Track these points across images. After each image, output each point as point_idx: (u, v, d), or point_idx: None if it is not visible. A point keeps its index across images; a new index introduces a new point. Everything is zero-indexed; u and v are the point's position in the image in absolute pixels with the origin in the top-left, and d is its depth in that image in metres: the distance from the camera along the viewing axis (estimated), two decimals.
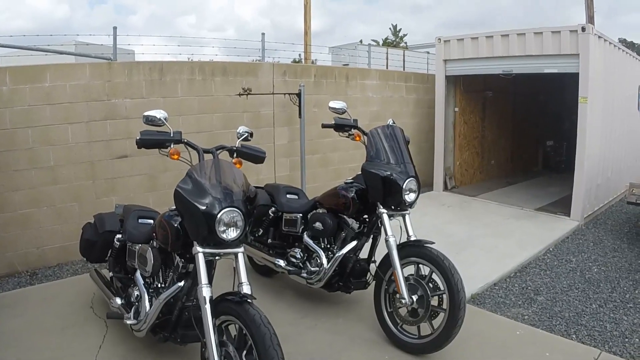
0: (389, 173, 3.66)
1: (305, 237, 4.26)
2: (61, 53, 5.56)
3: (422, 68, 9.85)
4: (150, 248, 3.33)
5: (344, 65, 9.58)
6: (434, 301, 3.48)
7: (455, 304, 3.27)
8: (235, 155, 3.37)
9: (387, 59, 9.81)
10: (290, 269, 4.29)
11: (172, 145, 3.11)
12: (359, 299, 4.37)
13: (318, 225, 4.14)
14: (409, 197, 3.68)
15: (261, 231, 4.78)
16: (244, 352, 2.64)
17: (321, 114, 7.41)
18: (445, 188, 8.53)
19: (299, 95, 6.98)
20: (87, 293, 4.53)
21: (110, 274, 4.00)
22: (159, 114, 3.06)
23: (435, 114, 8.42)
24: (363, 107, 8.05)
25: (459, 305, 3.27)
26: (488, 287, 4.78)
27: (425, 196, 8.34)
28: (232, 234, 2.75)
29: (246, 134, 3.51)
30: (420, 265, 3.59)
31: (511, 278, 5.03)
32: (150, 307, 3.24)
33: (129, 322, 3.36)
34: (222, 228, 2.72)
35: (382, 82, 8.35)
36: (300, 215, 4.41)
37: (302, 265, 4.27)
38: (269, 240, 4.73)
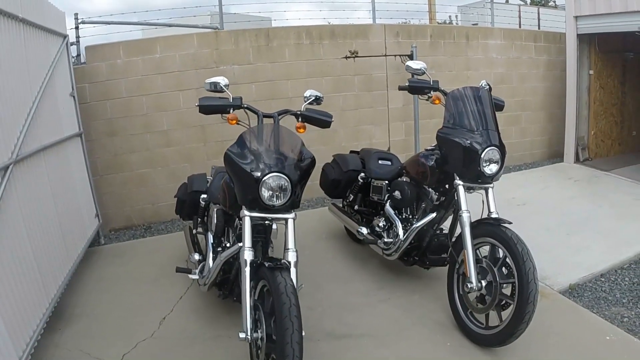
0: (466, 140, 3.20)
1: (387, 206, 4.00)
2: (170, 26, 5.86)
3: (562, 27, 8.56)
4: (216, 209, 3.50)
5: (472, 25, 8.73)
6: (507, 290, 3.00)
7: (524, 296, 2.78)
8: (299, 119, 3.24)
9: (519, 17, 8.67)
10: (370, 237, 4.07)
11: (231, 111, 3.09)
12: (443, 275, 3.99)
13: (397, 194, 3.85)
14: (489, 168, 3.19)
15: (352, 197, 4.62)
16: (273, 318, 2.56)
17: (439, 76, 6.72)
18: (577, 160, 7.40)
19: (410, 56, 6.51)
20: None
21: (194, 231, 4.17)
22: (222, 80, 3.08)
23: (567, 77, 7.28)
24: (486, 69, 7.28)
25: (527, 299, 2.76)
26: (593, 277, 4.02)
27: (552, 168, 7.43)
28: (278, 199, 2.68)
29: (313, 98, 3.36)
30: (498, 248, 3.12)
31: (623, 270, 4.17)
32: (213, 262, 3.36)
33: (192, 277, 3.53)
34: (268, 193, 2.66)
35: (508, 42, 7.43)
36: (387, 182, 4.14)
37: (383, 235, 4.03)
38: (356, 207, 4.57)
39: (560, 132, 7.65)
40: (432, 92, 3.61)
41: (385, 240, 3.87)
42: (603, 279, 4.02)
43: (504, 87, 7.37)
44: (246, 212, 2.74)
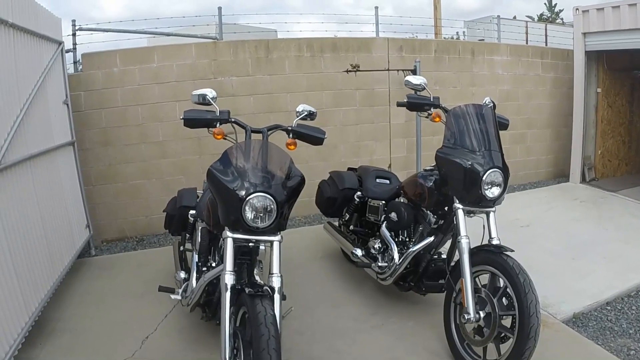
0: (467, 161, 2.98)
1: (383, 227, 3.77)
2: (169, 35, 5.71)
3: (569, 44, 8.36)
4: (201, 227, 3.32)
5: (479, 40, 8.54)
6: (507, 322, 2.76)
7: (524, 331, 2.54)
8: (290, 135, 3.05)
9: (526, 33, 8.46)
10: (364, 260, 3.85)
11: (218, 125, 2.93)
12: (440, 301, 3.74)
13: (393, 215, 3.63)
14: (491, 192, 2.96)
15: (347, 216, 4.41)
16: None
17: (443, 92, 6.62)
18: (583, 180, 7.15)
19: (413, 71, 6.31)
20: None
21: (182, 247, 3.97)
22: (209, 92, 2.96)
23: (574, 95, 7.06)
24: (491, 86, 7.08)
25: (529, 334, 2.53)
26: (598, 306, 3.76)
27: (557, 187, 7.17)
28: (262, 221, 2.47)
29: (305, 113, 3.17)
30: (499, 277, 2.88)
31: (630, 298, 3.90)
32: (196, 283, 3.16)
33: (174, 297, 3.35)
34: (252, 214, 2.45)
35: (514, 58, 7.22)
36: (383, 202, 3.92)
37: (378, 258, 3.80)
38: (351, 227, 4.36)
39: (566, 151, 7.41)
40: (432, 109, 3.39)
41: (380, 264, 3.65)
42: (609, 307, 3.76)
43: (510, 104, 7.16)
44: (229, 234, 2.53)
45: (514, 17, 10.44)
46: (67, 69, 4.81)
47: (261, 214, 2.47)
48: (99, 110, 5.25)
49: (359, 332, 3.46)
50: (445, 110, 3.32)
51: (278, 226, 2.55)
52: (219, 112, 2.91)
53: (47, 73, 4.25)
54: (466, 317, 2.80)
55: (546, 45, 8.33)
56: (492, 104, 3.42)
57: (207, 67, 5.56)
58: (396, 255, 3.51)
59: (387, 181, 4.24)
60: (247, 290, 2.45)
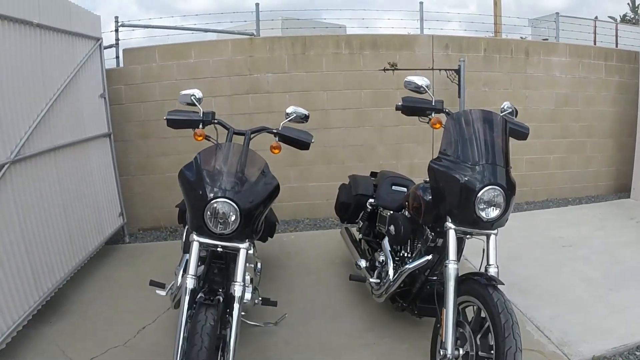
0: (462, 175, 2.48)
1: (385, 240, 3.35)
2: (206, 31, 5.58)
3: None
4: (186, 227, 3.25)
5: (543, 39, 7.63)
6: None
7: None
8: (277, 138, 2.83)
9: (594, 33, 7.38)
10: (363, 274, 3.48)
11: (201, 126, 2.83)
12: None
13: (391, 228, 3.21)
14: (487, 212, 2.45)
15: (361, 224, 4.04)
16: None
17: (492, 94, 6.03)
18: None
19: (457, 71, 5.71)
20: None
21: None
22: (196, 93, 2.86)
23: (639, 102, 6.04)
24: (547, 89, 6.27)
25: None
26: (625, 350, 3.06)
27: (616, 204, 6.22)
28: (226, 227, 2.28)
29: (294, 116, 2.91)
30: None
31: None
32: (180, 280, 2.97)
33: (159, 292, 3.11)
34: (212, 220, 2.28)
35: (574, 59, 6.32)
36: (391, 212, 3.51)
37: (375, 273, 3.41)
38: (360, 236, 3.98)
39: (630, 163, 6.41)
40: (433, 114, 2.93)
41: (373, 280, 3.26)
42: (638, 353, 3.06)
43: (568, 110, 6.34)
44: (195, 237, 2.36)
45: (595, 18, 9.17)
46: (105, 64, 4.83)
47: (222, 220, 2.27)
48: (138, 103, 5.26)
49: (346, 349, 3.12)
50: (448, 115, 2.85)
51: (244, 233, 2.34)
52: (202, 113, 2.79)
53: (81, 68, 4.28)
54: (442, 353, 2.36)
55: (616, 46, 7.25)
56: (511, 109, 2.93)
57: (242, 63, 5.39)
58: (391, 272, 3.10)
59: (405, 188, 3.80)
60: (198, 296, 2.30)
